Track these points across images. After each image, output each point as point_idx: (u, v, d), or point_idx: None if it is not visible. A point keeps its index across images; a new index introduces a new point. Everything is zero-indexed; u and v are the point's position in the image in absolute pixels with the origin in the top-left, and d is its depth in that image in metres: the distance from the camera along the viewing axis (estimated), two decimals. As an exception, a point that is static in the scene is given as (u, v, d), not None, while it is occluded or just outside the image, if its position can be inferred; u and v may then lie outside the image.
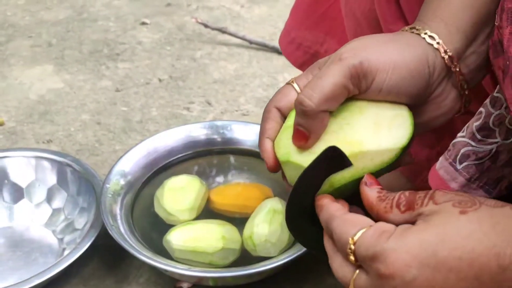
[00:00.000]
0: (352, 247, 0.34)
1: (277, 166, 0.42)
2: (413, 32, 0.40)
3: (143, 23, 1.28)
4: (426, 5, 0.42)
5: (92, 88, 1.07)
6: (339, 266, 0.36)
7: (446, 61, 0.40)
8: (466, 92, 0.42)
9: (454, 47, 0.40)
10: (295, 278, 0.69)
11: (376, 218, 0.37)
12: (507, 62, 0.36)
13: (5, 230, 0.74)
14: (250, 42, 1.18)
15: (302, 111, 0.38)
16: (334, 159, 0.39)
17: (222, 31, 1.20)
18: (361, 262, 0.34)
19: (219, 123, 0.81)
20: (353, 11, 0.61)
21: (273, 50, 1.17)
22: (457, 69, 0.40)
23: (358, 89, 0.39)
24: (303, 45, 0.71)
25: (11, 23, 1.28)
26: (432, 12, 0.40)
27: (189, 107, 1.02)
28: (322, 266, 0.71)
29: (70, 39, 1.22)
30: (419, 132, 0.42)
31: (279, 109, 0.42)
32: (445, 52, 0.39)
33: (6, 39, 1.22)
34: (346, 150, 0.38)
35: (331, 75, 0.37)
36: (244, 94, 1.05)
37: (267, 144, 0.42)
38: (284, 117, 0.42)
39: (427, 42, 0.39)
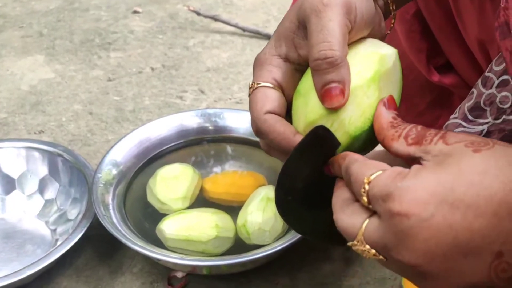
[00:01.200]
0: (367, 186, 0.32)
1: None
2: None
3: (135, 12, 1.27)
4: None
5: (84, 78, 1.06)
6: (348, 216, 0.33)
7: None
8: (393, 13, 0.43)
9: None
10: (290, 266, 0.69)
11: (380, 142, 0.36)
12: None
13: (-3, 222, 0.74)
14: (243, 29, 1.17)
15: (330, 63, 0.37)
16: (323, 138, 0.38)
17: (215, 19, 1.19)
18: (373, 205, 0.32)
19: (211, 111, 0.80)
20: None
21: (267, 37, 1.16)
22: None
23: (351, 24, 0.39)
24: None
25: (1, 13, 1.27)
26: None
27: (182, 95, 1.01)
28: (317, 254, 0.71)
29: (61, 29, 1.21)
30: None
31: (276, 114, 0.40)
32: None
33: (-4, 30, 1.21)
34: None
35: (329, 19, 0.37)
36: (238, 82, 1.05)
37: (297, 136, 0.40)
38: (286, 119, 0.40)
39: None
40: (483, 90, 0.42)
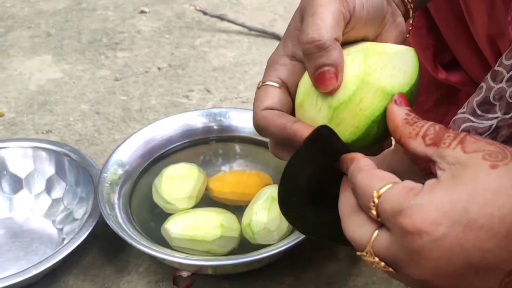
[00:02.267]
0: (376, 200, 0.32)
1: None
2: None
3: (142, 12, 1.27)
4: None
5: (91, 78, 1.06)
6: (357, 226, 0.33)
7: None
8: (413, 16, 0.42)
9: None
10: (295, 265, 0.69)
11: (396, 140, 0.35)
12: None
13: (5, 221, 0.75)
14: (250, 29, 1.17)
15: (318, 46, 0.36)
16: (326, 137, 0.38)
17: (221, 18, 1.19)
18: (383, 219, 0.32)
19: (216, 110, 0.80)
20: None
21: (273, 36, 1.16)
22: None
23: (349, 12, 0.38)
24: None
25: (10, 14, 1.28)
26: None
27: (189, 95, 1.01)
28: (323, 253, 0.70)
29: (69, 29, 1.21)
30: None
31: (274, 109, 0.40)
32: None
33: (5, 30, 1.22)
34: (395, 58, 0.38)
35: (322, 5, 0.36)
36: (244, 81, 1.04)
37: (301, 124, 0.39)
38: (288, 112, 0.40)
39: None
40: (492, 84, 0.41)
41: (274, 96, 0.40)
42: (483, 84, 0.42)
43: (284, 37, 0.41)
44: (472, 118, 0.42)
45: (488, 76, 0.42)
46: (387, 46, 0.40)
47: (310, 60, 0.37)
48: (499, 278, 0.30)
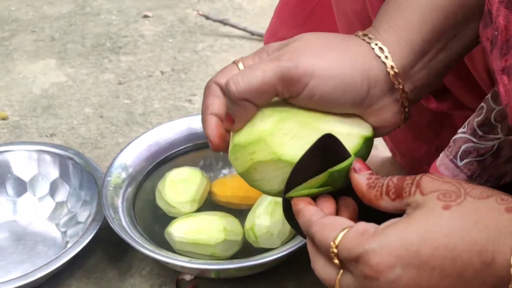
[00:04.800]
0: (335, 250, 0.34)
1: (221, 144, 0.40)
2: (364, 40, 0.38)
3: (145, 16, 1.28)
4: (384, 10, 0.40)
5: (95, 82, 1.07)
6: (323, 267, 0.35)
7: (391, 77, 0.38)
8: (407, 110, 0.40)
9: (401, 64, 0.38)
10: (297, 269, 0.69)
11: (369, 205, 0.37)
12: (496, 33, 0.34)
13: (9, 224, 0.75)
14: (252, 33, 1.18)
15: (227, 95, 0.38)
16: (330, 147, 0.38)
17: (224, 23, 1.20)
18: (345, 264, 0.34)
19: (220, 115, 0.80)
20: (345, 11, 0.60)
21: (276, 41, 1.16)
22: (401, 87, 0.39)
23: (289, 93, 0.37)
24: (286, 37, 0.70)
25: (14, 18, 1.29)
26: (387, 22, 0.39)
27: (191, 99, 1.02)
28: (324, 257, 0.71)
29: (72, 33, 1.22)
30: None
31: (219, 85, 0.40)
32: (392, 68, 0.38)
33: (10, 34, 1.22)
34: (316, 134, 0.38)
35: (263, 70, 0.36)
36: (246, 86, 1.05)
37: (211, 119, 0.40)
38: (224, 93, 0.40)
39: (375, 53, 0.38)
40: (493, 105, 0.41)
41: (232, 70, 0.41)
42: (483, 104, 0.42)
43: (267, 47, 0.41)
44: (473, 139, 0.42)
45: (489, 96, 0.42)
46: (332, 123, 0.39)
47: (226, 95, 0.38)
48: None
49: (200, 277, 0.68)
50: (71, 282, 0.69)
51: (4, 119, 0.97)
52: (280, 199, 0.69)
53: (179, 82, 1.06)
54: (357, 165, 0.38)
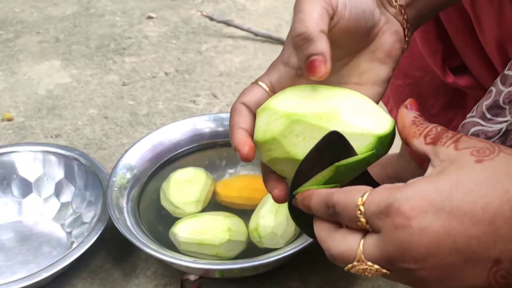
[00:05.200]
0: (362, 208, 0.32)
1: (250, 152, 0.41)
2: None
3: (149, 17, 1.28)
4: None
5: (99, 83, 1.07)
6: (340, 241, 0.34)
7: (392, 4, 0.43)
8: (408, 34, 0.44)
9: None
10: (302, 269, 0.69)
11: (402, 139, 0.37)
12: None
13: (14, 224, 0.75)
14: (256, 34, 1.18)
15: (305, 38, 0.38)
16: (337, 144, 0.38)
17: (228, 24, 1.20)
18: (372, 222, 0.32)
19: (223, 115, 0.81)
20: None
21: (279, 41, 1.17)
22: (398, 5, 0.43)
23: (331, 8, 0.40)
24: None
25: (19, 19, 1.29)
26: None
27: (195, 100, 1.02)
28: (329, 257, 0.71)
29: (77, 34, 1.23)
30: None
31: (246, 106, 0.42)
32: None
33: (14, 35, 1.23)
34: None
35: (307, 2, 0.39)
36: (250, 87, 1.05)
37: (240, 132, 0.41)
38: (252, 114, 0.42)
39: None
40: (502, 88, 0.42)
41: (254, 94, 0.42)
42: (492, 88, 0.43)
43: (284, 45, 0.43)
44: (481, 122, 0.43)
45: (498, 80, 0.43)
46: (347, 123, 0.40)
47: (300, 52, 0.39)
48: (487, 266, 0.31)
49: (205, 277, 0.68)
50: (76, 283, 0.69)
51: (9, 120, 0.98)
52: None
53: (183, 83, 1.06)
54: (410, 103, 0.38)
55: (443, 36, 0.61)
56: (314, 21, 0.38)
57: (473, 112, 0.44)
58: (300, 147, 0.40)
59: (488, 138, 0.43)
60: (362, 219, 0.33)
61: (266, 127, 0.41)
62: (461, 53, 0.61)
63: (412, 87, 0.68)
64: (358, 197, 0.33)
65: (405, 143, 0.37)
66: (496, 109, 0.42)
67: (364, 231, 0.34)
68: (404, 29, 0.44)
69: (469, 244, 0.31)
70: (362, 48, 0.44)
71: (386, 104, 0.74)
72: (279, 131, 0.40)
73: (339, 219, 0.35)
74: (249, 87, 0.43)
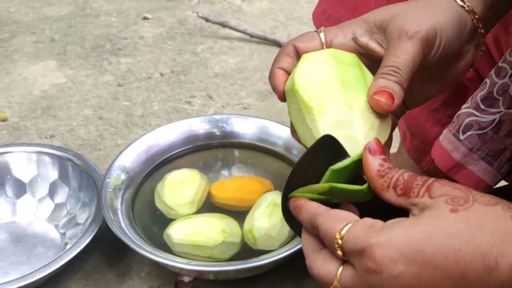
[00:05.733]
0: (340, 241, 0.34)
1: (284, 95, 0.43)
2: None
3: (145, 18, 1.28)
4: None
5: (94, 83, 1.07)
6: (322, 264, 0.35)
7: (475, 22, 0.44)
8: (483, 48, 0.46)
9: (478, 11, 0.44)
10: (296, 271, 0.69)
11: (374, 191, 0.37)
12: None
13: (8, 225, 0.75)
14: (251, 35, 1.18)
15: (395, 79, 0.40)
16: (331, 147, 0.39)
17: (223, 25, 1.20)
18: (348, 257, 0.34)
19: (218, 116, 0.81)
20: None
21: (274, 43, 1.17)
22: (482, 31, 0.44)
23: (428, 53, 0.42)
24: (333, 16, 0.71)
25: (14, 19, 1.29)
26: None
27: (191, 101, 1.02)
28: (323, 259, 0.71)
29: (72, 35, 1.23)
30: (442, 89, 0.46)
31: (296, 48, 0.43)
32: (474, 14, 0.43)
33: (9, 36, 1.23)
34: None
35: (406, 53, 0.40)
36: (245, 88, 1.05)
37: (278, 72, 0.43)
38: (297, 57, 0.43)
39: (459, 4, 0.43)
40: (496, 79, 0.42)
41: (311, 42, 0.43)
42: (487, 80, 0.44)
43: (360, 22, 0.44)
44: (476, 112, 0.44)
45: (492, 71, 0.43)
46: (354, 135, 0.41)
47: (381, 79, 0.41)
48: None
49: (199, 278, 0.68)
50: (70, 284, 0.69)
51: (3, 120, 0.98)
52: (278, 200, 0.69)
53: (178, 84, 1.06)
54: (373, 146, 0.37)
55: None
56: (407, 76, 0.40)
57: (468, 103, 0.45)
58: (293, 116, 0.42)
59: (482, 128, 0.43)
60: (339, 252, 0.34)
61: (290, 79, 0.42)
62: None
63: None
64: (339, 229, 0.34)
65: (376, 193, 0.37)
66: (490, 100, 0.43)
67: (343, 260, 0.35)
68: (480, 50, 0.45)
69: None
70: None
71: None
72: (290, 89, 0.41)
73: (323, 241, 0.36)
74: (309, 33, 0.43)
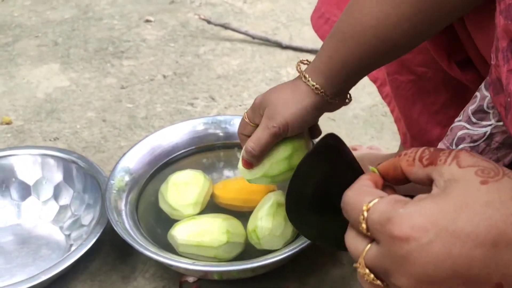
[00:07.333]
0: (365, 213, 0.32)
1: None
2: (306, 83, 0.57)
3: (147, 21, 1.29)
4: (317, 58, 0.56)
5: (98, 86, 1.08)
6: (352, 238, 0.34)
7: (329, 100, 0.57)
8: (348, 97, 0.60)
9: (331, 92, 0.56)
10: (300, 270, 0.69)
11: (399, 175, 0.36)
12: (508, 99, 0.36)
13: (13, 227, 0.76)
14: (253, 37, 1.18)
15: (251, 155, 0.59)
16: (333, 146, 0.39)
17: (225, 27, 1.20)
18: (372, 231, 0.32)
19: (221, 118, 0.81)
20: None
21: (276, 44, 1.17)
22: (336, 101, 0.58)
23: (281, 136, 0.59)
24: (331, 19, 0.72)
25: (18, 23, 1.30)
26: (318, 68, 0.56)
27: (193, 102, 1.02)
28: (327, 259, 0.71)
29: (75, 38, 1.23)
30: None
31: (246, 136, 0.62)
32: (327, 95, 0.56)
33: (13, 39, 1.23)
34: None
35: (263, 138, 0.58)
36: (248, 89, 1.06)
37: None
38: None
39: (312, 90, 0.57)
40: (486, 93, 0.43)
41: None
42: (477, 93, 0.44)
43: (260, 105, 0.60)
44: (467, 125, 0.44)
45: (482, 85, 0.44)
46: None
47: (245, 153, 0.60)
48: None
49: (203, 279, 0.68)
50: (75, 285, 0.69)
51: (8, 123, 0.98)
52: (282, 200, 0.69)
53: (181, 86, 1.07)
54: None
55: (448, 31, 0.61)
56: (261, 151, 0.59)
57: (460, 116, 0.45)
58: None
59: (474, 141, 0.44)
60: (364, 225, 0.33)
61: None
62: (465, 45, 0.61)
63: (414, 83, 0.69)
64: (366, 201, 0.33)
65: (407, 178, 0.36)
66: (481, 113, 0.43)
67: (371, 238, 0.33)
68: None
69: (470, 267, 0.30)
70: None
71: (388, 104, 0.75)
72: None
73: (348, 217, 0.35)
74: (242, 122, 0.62)
